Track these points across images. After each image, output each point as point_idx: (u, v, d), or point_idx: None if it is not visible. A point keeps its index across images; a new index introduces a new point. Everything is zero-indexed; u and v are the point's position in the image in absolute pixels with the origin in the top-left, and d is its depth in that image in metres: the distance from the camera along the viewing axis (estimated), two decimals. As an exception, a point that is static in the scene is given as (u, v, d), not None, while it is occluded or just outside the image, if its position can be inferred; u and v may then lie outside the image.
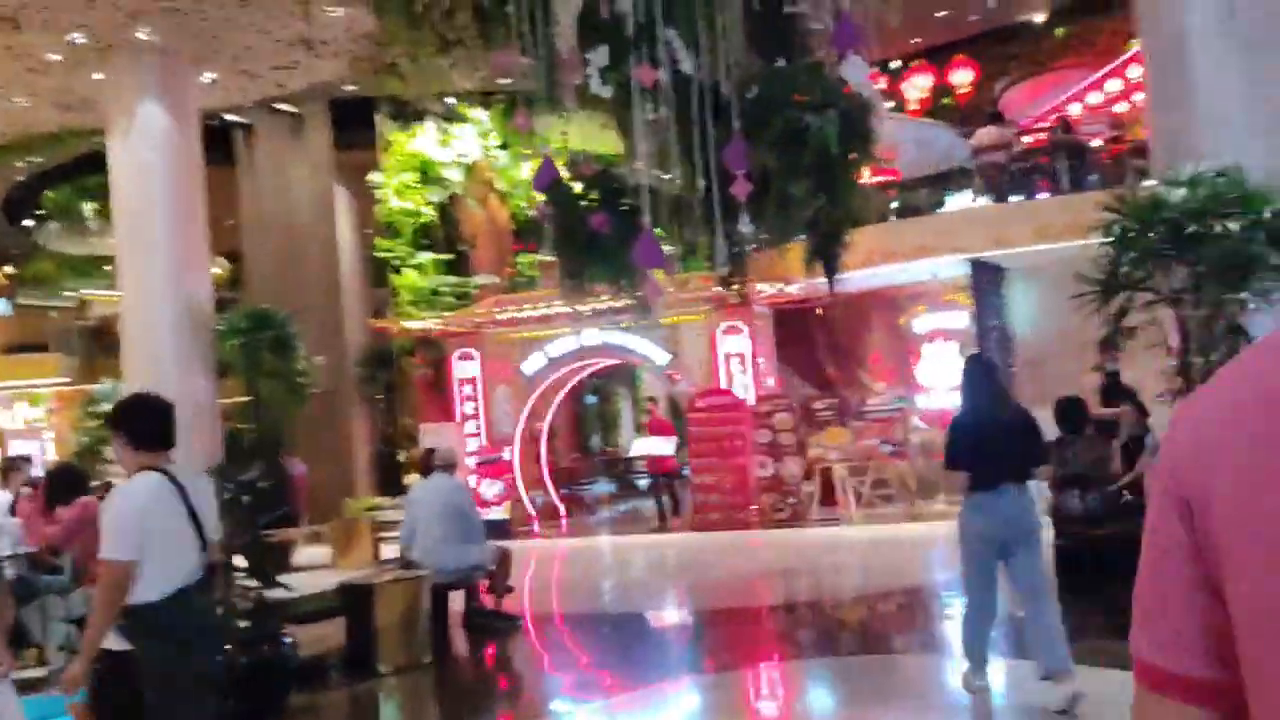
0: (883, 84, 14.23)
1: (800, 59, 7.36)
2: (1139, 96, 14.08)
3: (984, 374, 5.82)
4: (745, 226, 7.35)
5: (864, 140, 7.11)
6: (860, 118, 7.03)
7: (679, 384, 15.03)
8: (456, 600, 8.75)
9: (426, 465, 9.33)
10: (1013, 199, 13.96)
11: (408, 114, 17.38)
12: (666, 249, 10.61)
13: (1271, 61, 7.14)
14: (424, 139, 17.47)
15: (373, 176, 17.42)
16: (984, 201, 14.39)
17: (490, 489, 15.25)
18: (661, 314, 10.63)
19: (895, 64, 16.21)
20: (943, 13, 14.63)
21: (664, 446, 15.05)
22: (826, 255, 7.78)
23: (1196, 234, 6.62)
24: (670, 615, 10.35)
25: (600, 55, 7.16)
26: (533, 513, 15.86)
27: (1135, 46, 12.92)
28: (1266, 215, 6.51)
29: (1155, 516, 0.79)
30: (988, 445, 5.43)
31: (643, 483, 18.39)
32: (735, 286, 9.23)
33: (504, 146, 17.40)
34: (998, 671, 6.27)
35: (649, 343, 14.74)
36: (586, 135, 11.17)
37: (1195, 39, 7.29)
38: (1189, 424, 0.79)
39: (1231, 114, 7.16)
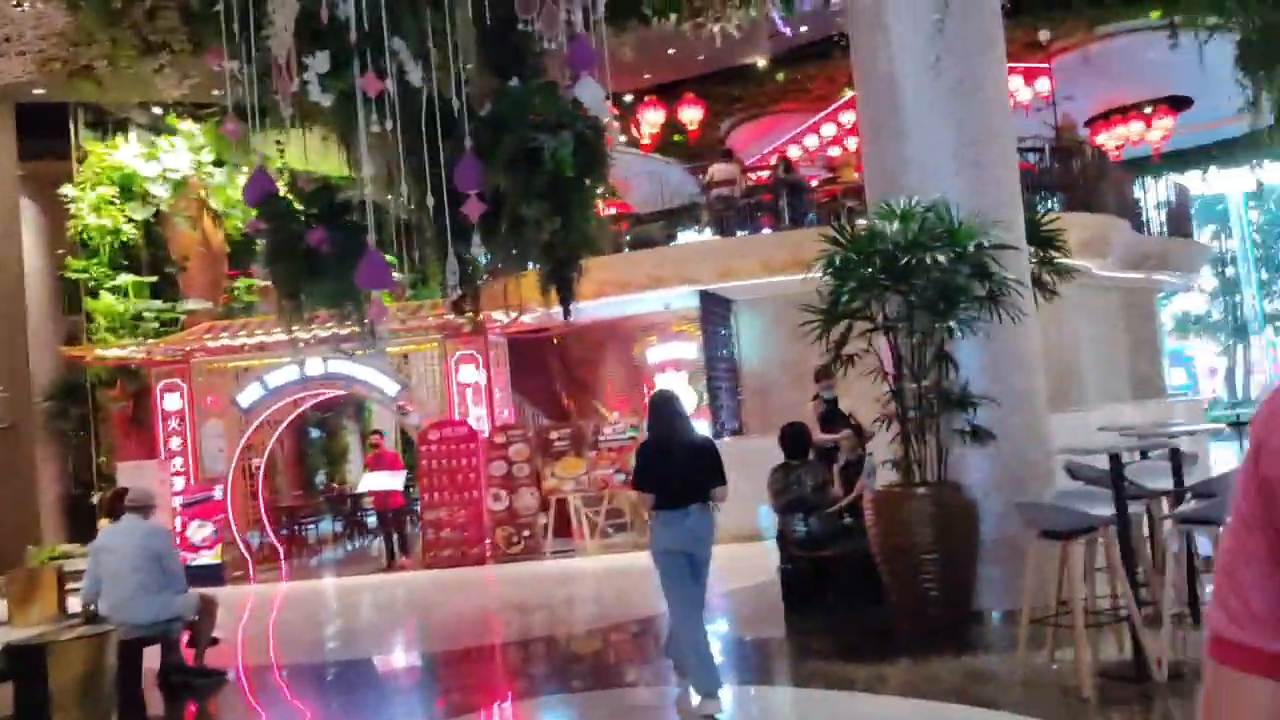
0: (616, 115, 14.41)
1: (534, 78, 7.20)
2: (851, 141, 14.98)
3: (668, 406, 6.30)
4: (477, 248, 7.08)
5: (599, 164, 7.03)
6: (595, 141, 6.94)
7: (410, 415, 14.47)
8: (153, 656, 7.87)
9: (114, 507, 8.36)
10: (739, 233, 14.44)
11: (108, 123, 15.91)
12: (397, 276, 10.08)
13: (973, 105, 7.68)
14: (127, 151, 16.03)
15: (65, 189, 15.78)
16: (712, 235, 14.80)
17: (199, 532, 14.05)
18: (389, 340, 10.14)
19: (628, 98, 16.48)
20: (672, 50, 15.01)
21: (392, 481, 14.43)
22: (561, 281, 7.62)
23: (909, 265, 6.98)
24: (399, 659, 9.82)
25: (320, 61, 6.70)
26: (248, 556, 14.75)
27: (848, 94, 13.73)
28: (970, 248, 6.96)
29: (1239, 495, 0.82)
30: (672, 468, 5.96)
31: (371, 520, 17.58)
32: (469, 313, 8.90)
33: (219, 163, 16.24)
34: (741, 699, 6.26)
35: (378, 372, 14.11)
36: (310, 154, 10.53)
37: (907, 84, 7.72)
38: (1268, 410, 0.80)
39: (940, 154, 7.62)
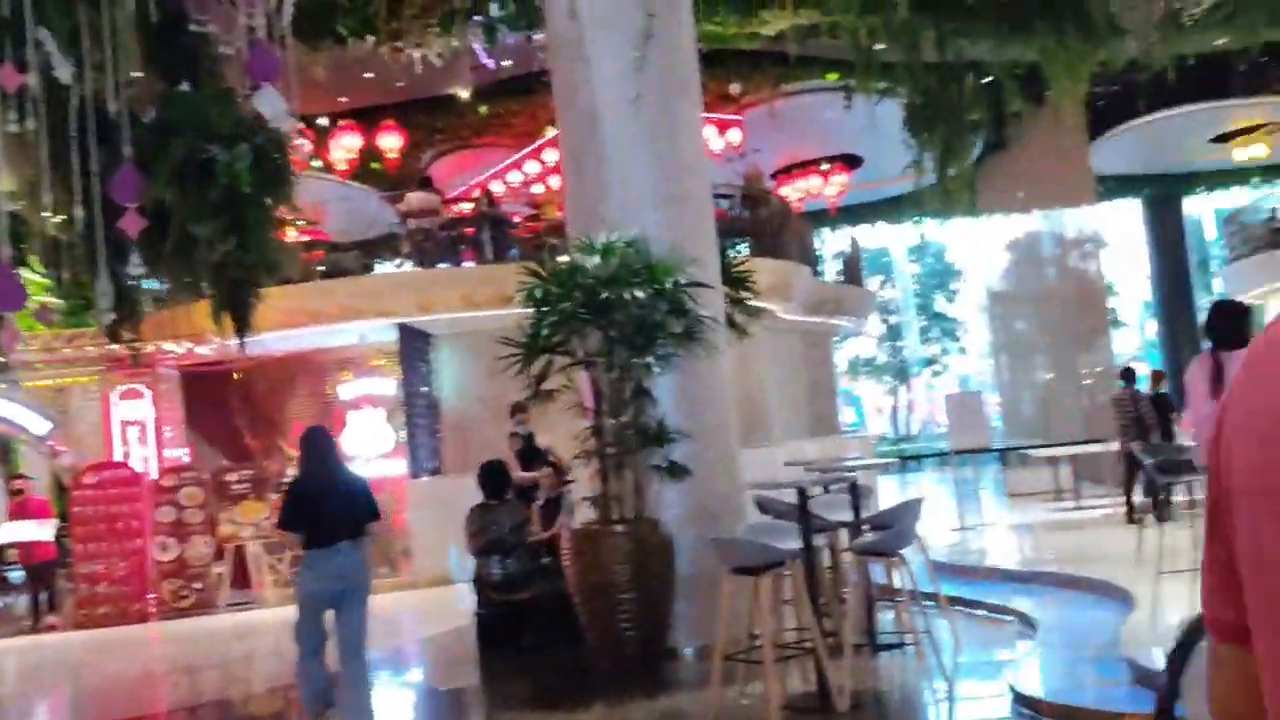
0: (308, 144, 13.65)
1: (209, 85, 6.59)
2: (555, 180, 15.02)
3: (320, 442, 6.22)
4: (136, 268, 6.36)
5: (281, 181, 6.52)
6: (277, 156, 6.43)
7: (63, 456, 12.93)
8: None
9: None
10: (440, 266, 14.08)
11: None
12: (52, 300, 9.03)
13: (670, 143, 7.80)
14: None
15: None
16: (412, 267, 14.35)
17: None
18: (31, 371, 8.95)
19: (323, 120, 15.71)
20: (370, 75, 14.46)
21: (39, 531, 12.83)
22: (235, 308, 7.00)
23: (609, 300, 6.94)
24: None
25: (-56, 46, 5.79)
26: None
27: (550, 131, 13.76)
28: (668, 285, 7.02)
29: (1207, 489, 0.92)
30: (323, 506, 5.89)
31: (15, 575, 15.55)
32: (130, 341, 8.00)
33: None
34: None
35: (24, 408, 12.52)
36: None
37: (608, 117, 7.73)
38: (1220, 409, 0.91)
39: (639, 188, 7.66)
